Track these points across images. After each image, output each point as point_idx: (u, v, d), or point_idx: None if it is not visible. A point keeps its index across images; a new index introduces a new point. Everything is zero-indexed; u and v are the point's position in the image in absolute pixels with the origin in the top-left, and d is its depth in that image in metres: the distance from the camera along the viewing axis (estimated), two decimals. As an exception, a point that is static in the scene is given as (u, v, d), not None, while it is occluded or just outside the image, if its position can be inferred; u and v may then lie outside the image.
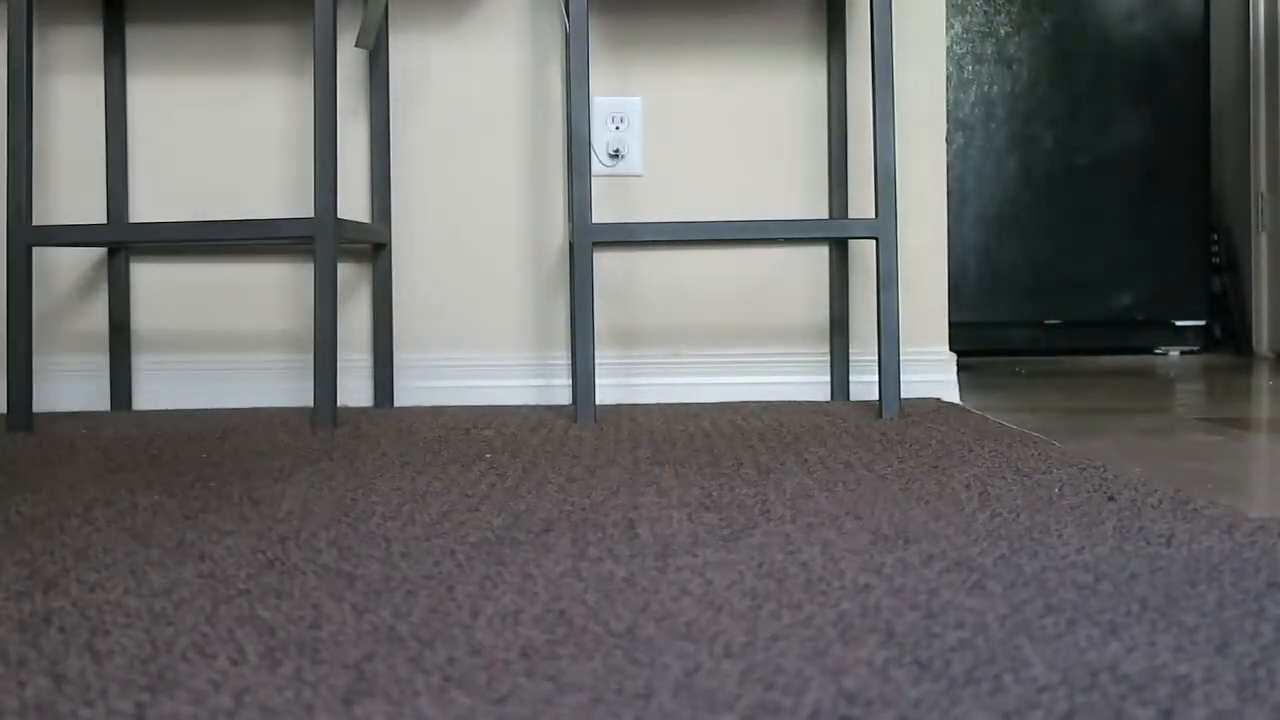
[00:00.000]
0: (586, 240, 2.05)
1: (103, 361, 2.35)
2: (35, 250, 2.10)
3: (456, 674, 0.73)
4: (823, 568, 1.00)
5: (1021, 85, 4.02)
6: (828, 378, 2.36)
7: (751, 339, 2.40)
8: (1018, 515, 1.20)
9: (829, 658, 0.75)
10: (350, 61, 2.36)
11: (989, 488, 1.35)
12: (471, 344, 2.39)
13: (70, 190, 2.36)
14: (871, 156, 2.12)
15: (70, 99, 2.36)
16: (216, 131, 2.38)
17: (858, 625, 0.83)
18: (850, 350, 2.34)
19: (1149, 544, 1.07)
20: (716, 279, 2.39)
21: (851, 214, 2.34)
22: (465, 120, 2.38)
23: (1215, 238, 4.15)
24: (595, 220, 2.35)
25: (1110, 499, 1.27)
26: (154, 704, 0.68)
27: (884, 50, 2.08)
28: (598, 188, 2.39)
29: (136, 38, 2.36)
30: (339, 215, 2.32)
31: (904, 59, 2.27)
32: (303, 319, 2.27)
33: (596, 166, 2.39)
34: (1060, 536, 1.10)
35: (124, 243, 2.31)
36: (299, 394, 2.33)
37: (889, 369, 2.05)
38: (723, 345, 2.39)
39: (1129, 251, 4.01)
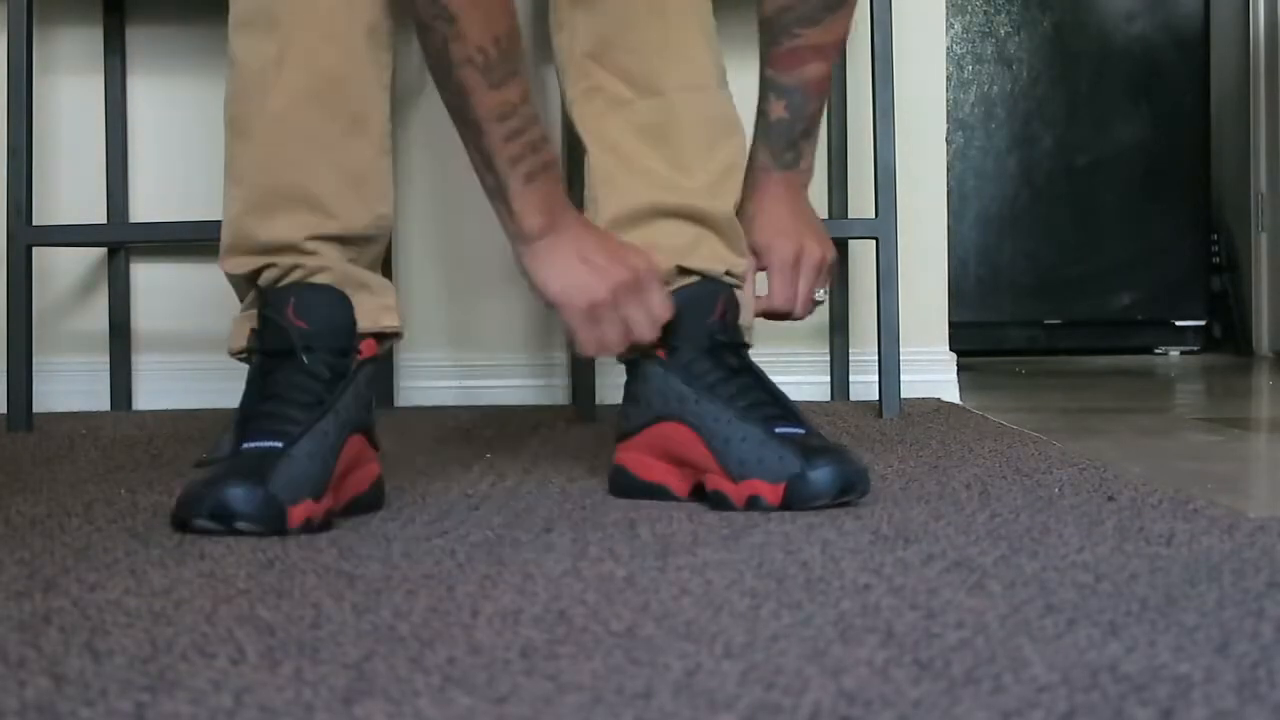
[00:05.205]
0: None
1: (103, 361, 2.35)
2: (35, 250, 2.10)
3: (456, 674, 0.73)
4: (822, 567, 1.00)
5: (1021, 85, 4.02)
6: (828, 378, 2.36)
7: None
8: (1018, 515, 1.20)
9: (829, 658, 0.76)
10: (350, 61, 2.36)
11: (989, 488, 1.35)
12: (470, 344, 2.38)
13: (70, 190, 2.36)
14: (871, 156, 2.11)
15: (70, 99, 2.36)
16: (216, 131, 2.37)
17: (858, 625, 0.83)
18: (850, 350, 2.34)
19: (1149, 544, 1.07)
20: (716, 279, 2.38)
21: (851, 214, 2.34)
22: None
23: (1215, 238, 4.15)
24: (595, 220, 2.34)
25: (1110, 499, 1.28)
26: (154, 704, 0.68)
27: (884, 50, 2.08)
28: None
29: (136, 38, 2.36)
30: (339, 215, 2.31)
31: (904, 59, 2.26)
32: (303, 319, 2.26)
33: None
34: (1060, 536, 1.10)
35: (124, 243, 2.32)
36: (299, 394, 2.32)
37: (889, 369, 2.05)
38: (723, 345, 2.38)
39: (1129, 251, 4.01)
